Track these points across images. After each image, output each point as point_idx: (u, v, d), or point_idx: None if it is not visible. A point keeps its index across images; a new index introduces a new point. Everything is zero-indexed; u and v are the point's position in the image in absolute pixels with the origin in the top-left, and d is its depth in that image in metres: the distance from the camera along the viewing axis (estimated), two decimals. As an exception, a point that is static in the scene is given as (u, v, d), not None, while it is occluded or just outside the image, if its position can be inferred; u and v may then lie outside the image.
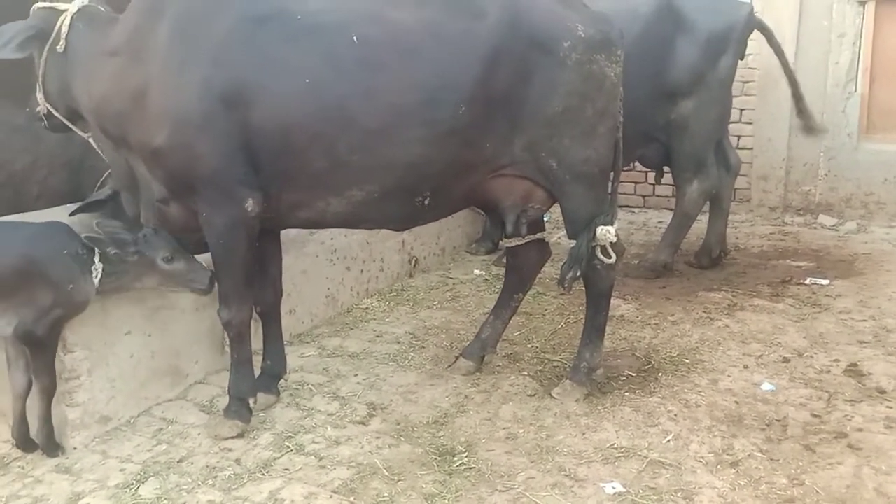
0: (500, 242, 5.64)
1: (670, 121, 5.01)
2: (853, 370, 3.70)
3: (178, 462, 3.08)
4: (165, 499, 2.83)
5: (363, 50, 2.98)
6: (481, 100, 3.05)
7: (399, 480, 2.90)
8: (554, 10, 3.20)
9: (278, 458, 3.09)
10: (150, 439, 3.27)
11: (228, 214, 3.03)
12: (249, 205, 3.03)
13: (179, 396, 3.66)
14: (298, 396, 3.63)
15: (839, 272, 5.34)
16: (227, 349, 3.81)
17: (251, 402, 3.34)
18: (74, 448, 3.17)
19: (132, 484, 2.93)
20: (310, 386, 3.73)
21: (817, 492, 2.72)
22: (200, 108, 2.91)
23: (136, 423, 3.41)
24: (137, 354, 3.47)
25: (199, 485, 2.91)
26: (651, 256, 5.40)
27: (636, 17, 4.80)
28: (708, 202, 5.47)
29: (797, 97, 5.47)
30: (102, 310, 3.29)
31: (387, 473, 2.94)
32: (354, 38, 2.96)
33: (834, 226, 6.69)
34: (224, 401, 3.52)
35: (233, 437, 3.23)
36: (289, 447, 3.16)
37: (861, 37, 6.60)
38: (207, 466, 3.04)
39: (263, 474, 2.97)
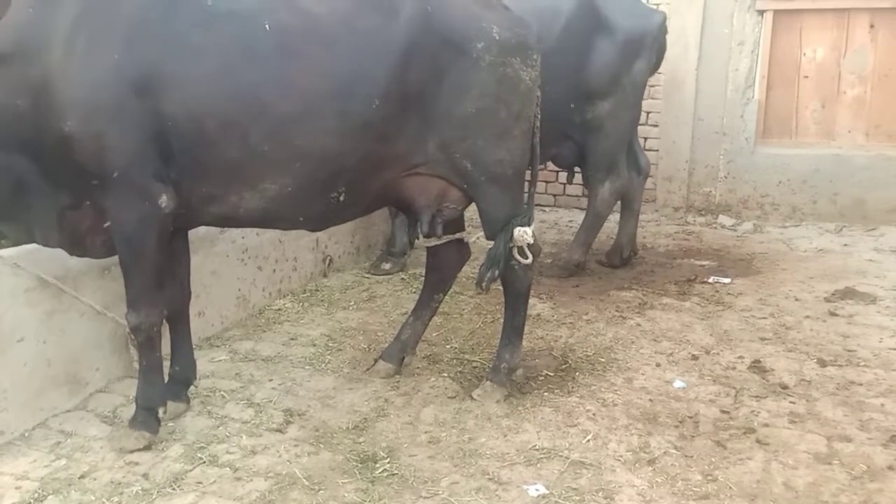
0: (401, 256, 5.57)
1: (586, 121, 5.07)
2: (757, 366, 3.86)
3: (79, 478, 2.88)
4: (66, 519, 2.64)
5: (277, 38, 2.91)
6: (395, 95, 3.03)
7: (320, 490, 2.81)
8: (469, 9, 3.19)
9: (190, 470, 2.94)
10: (47, 454, 3.05)
11: (140, 211, 2.87)
12: (163, 201, 2.89)
13: (79, 407, 3.43)
14: (210, 404, 3.47)
15: (739, 271, 5.59)
16: (133, 354, 3.64)
17: (160, 411, 3.16)
18: (-39, 466, 2.92)
19: (30, 503, 2.71)
20: (222, 392, 3.58)
21: (730, 487, 2.81)
22: (110, 95, 2.75)
23: (31, 436, 3.17)
24: (31, 362, 3.22)
25: (103, 502, 2.72)
26: (565, 255, 5.47)
27: (558, 15, 4.86)
28: (619, 203, 5.61)
29: None
30: (-8, 315, 3.04)
31: (307, 483, 2.84)
32: (266, 25, 2.89)
33: (732, 226, 7.01)
34: (128, 410, 3.33)
35: (139, 450, 3.05)
36: (201, 458, 3.01)
37: (759, 45, 6.93)
38: (112, 482, 2.85)
39: (174, 489, 2.81)
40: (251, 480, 2.87)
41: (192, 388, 3.49)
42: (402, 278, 5.41)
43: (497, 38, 3.14)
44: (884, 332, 4.31)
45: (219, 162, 2.93)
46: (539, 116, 3.37)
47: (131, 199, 2.85)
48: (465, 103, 3.15)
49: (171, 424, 3.27)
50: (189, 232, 3.43)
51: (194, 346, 3.90)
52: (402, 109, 3.07)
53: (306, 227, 3.36)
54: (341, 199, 3.16)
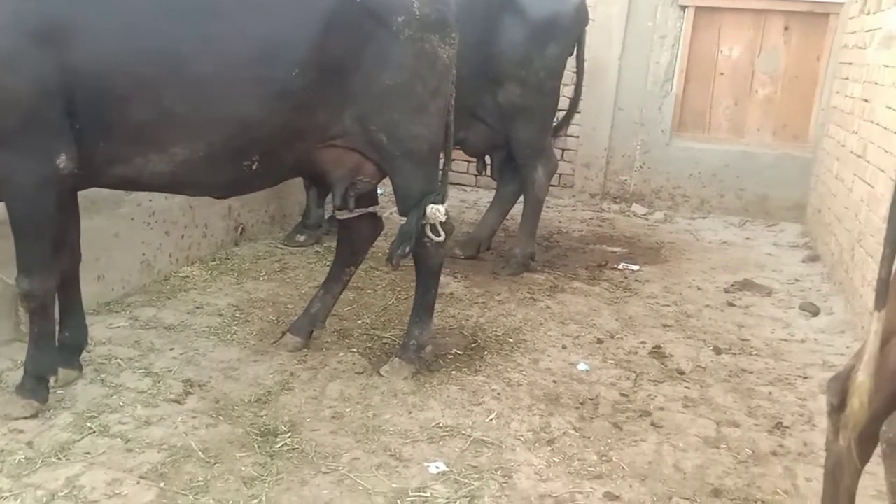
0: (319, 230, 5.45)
1: (499, 104, 4.88)
2: (657, 352, 3.99)
3: (-44, 446, 2.72)
4: (-61, 488, 2.49)
5: None
6: (315, 64, 2.98)
7: (216, 463, 2.74)
8: None
9: (78, 440, 2.82)
10: (-79, 419, 2.87)
11: (36, 171, 2.70)
12: (62, 160, 2.72)
13: (-40, 370, 3.24)
14: (104, 372, 3.33)
15: (648, 259, 5.75)
16: (22, 316, 3.46)
17: (50, 380, 3.02)
18: None
19: None
20: (118, 360, 3.44)
21: (623, 468, 2.90)
22: (9, 45, 2.55)
23: None
24: None
25: (-19, 471, 2.59)
26: (518, 251, 5.20)
27: None
28: (497, 193, 5.56)
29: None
30: None
31: (202, 456, 2.77)
32: None
33: (645, 214, 7.21)
34: (13, 376, 3.18)
35: (25, 418, 2.90)
36: (91, 428, 2.89)
37: (680, 40, 7.10)
38: (-7, 450, 2.72)
39: (60, 458, 2.69)
40: (143, 452, 2.77)
41: (85, 354, 3.34)
42: (317, 251, 5.33)
43: (417, 13, 3.13)
44: (776, 323, 4.53)
45: (126, 121, 2.80)
46: (454, 95, 3.36)
47: (26, 158, 2.68)
48: (383, 76, 3.14)
49: (61, 392, 3.12)
50: (92, 191, 3.27)
51: (92, 311, 3.75)
52: (321, 79, 3.02)
53: (214, 194, 3.27)
54: (254, 167, 3.08)
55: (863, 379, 1.94)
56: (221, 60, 2.85)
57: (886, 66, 4.64)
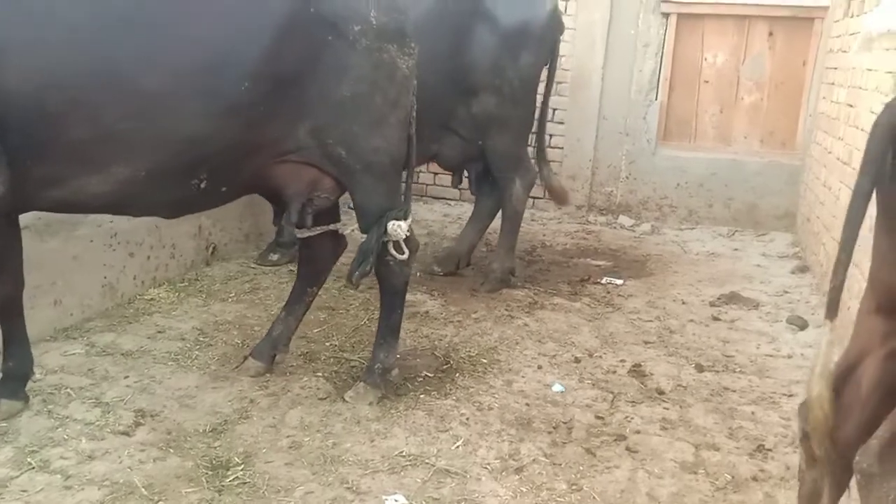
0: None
1: (473, 115, 4.74)
2: (636, 370, 3.83)
3: None
4: None
5: (141, 6, 2.67)
6: (266, 77, 2.85)
7: (159, 501, 2.58)
8: None
9: (16, 477, 2.66)
10: None
11: None
12: None
13: None
14: (52, 403, 3.18)
15: (632, 272, 5.60)
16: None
17: (-8, 413, 2.87)
18: None
19: None
20: (68, 390, 3.28)
21: (594, 497, 2.74)
22: None
23: None
24: None
25: None
26: (496, 266, 5.05)
27: None
28: (475, 205, 5.44)
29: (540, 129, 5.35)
30: None
31: (145, 493, 2.61)
32: None
33: (631, 226, 7.05)
34: (-44, 409, 3.02)
35: (-38, 455, 2.76)
36: (30, 464, 2.73)
37: (663, 47, 6.98)
38: (-78, 491, 2.56)
39: (-6, 498, 2.55)
40: (82, 489, 2.61)
41: (33, 384, 3.19)
42: (290, 270, 5.14)
43: (374, 22, 3.02)
44: (762, 337, 4.37)
45: (61, 141, 2.64)
46: (416, 106, 3.23)
47: None
48: (340, 87, 3.01)
49: (4, 425, 2.97)
50: (45, 213, 3.14)
51: (49, 338, 3.62)
52: (273, 92, 2.89)
53: (160, 214, 3.13)
54: (202, 186, 2.94)
55: (819, 390, 1.85)
56: (164, 74, 2.70)
57: (869, 70, 4.51)
